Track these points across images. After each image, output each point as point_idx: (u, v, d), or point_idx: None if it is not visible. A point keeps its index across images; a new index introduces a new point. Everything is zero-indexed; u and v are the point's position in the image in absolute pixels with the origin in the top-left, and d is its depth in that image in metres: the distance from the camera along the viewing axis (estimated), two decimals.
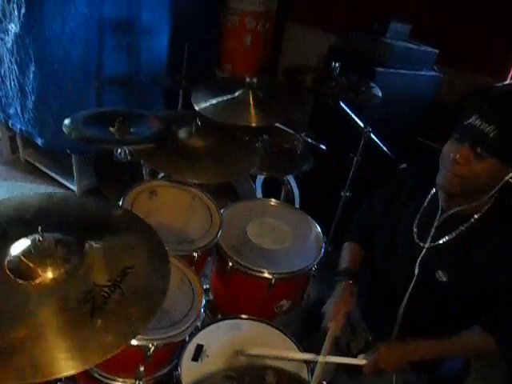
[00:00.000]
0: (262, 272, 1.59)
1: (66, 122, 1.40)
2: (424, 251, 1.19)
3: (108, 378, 1.24)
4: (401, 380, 1.27)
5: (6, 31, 2.32)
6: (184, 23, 2.79)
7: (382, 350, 1.17)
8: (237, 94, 1.91)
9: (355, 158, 2.29)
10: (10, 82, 2.54)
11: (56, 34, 2.25)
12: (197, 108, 1.82)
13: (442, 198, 1.18)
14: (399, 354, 1.18)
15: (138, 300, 0.84)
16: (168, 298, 1.32)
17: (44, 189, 3.08)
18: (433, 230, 1.19)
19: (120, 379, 1.24)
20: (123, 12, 2.39)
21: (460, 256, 1.14)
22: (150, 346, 1.14)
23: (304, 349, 1.41)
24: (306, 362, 1.24)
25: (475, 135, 0.98)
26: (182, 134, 1.74)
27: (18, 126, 2.66)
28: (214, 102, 1.86)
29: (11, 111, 2.66)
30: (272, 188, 2.44)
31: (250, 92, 1.91)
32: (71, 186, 3.05)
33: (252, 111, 1.83)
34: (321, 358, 1.19)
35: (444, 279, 1.15)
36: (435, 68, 2.52)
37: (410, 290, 1.22)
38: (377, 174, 2.05)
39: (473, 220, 1.13)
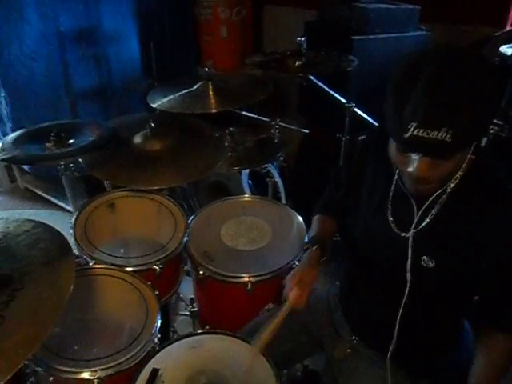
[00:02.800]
0: (236, 277, 1.45)
1: None
2: (410, 242, 1.00)
3: None
4: None
5: None
6: (152, 24, 2.67)
7: None
8: (195, 86, 1.80)
9: (343, 138, 2.11)
10: None
11: (16, 55, 2.19)
12: (153, 105, 1.73)
13: (408, 185, 0.98)
14: None
15: (23, 327, 0.72)
16: (119, 322, 1.22)
17: (43, 213, 3.05)
18: (415, 218, 0.99)
19: None
20: (82, 23, 2.30)
21: (444, 236, 0.96)
22: (92, 377, 1.02)
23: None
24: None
25: (429, 149, 0.80)
26: (138, 139, 1.63)
27: None
28: (171, 97, 1.74)
29: None
30: (260, 182, 2.29)
31: (210, 83, 1.79)
32: (68, 208, 3.00)
33: (211, 99, 1.75)
34: None
35: (431, 265, 0.97)
36: (422, 27, 2.29)
37: (407, 290, 1.02)
38: None
39: (449, 191, 0.94)
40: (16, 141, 1.35)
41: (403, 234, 1.01)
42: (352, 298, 1.19)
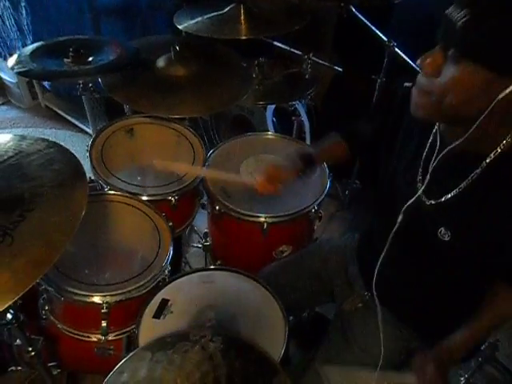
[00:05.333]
0: (253, 216, 1.42)
1: (12, 58, 1.23)
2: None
3: (76, 334, 1.16)
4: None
5: None
6: None
7: (428, 369, 0.94)
8: (226, 9, 1.65)
9: (379, 80, 1.96)
10: (9, 22, 2.42)
11: None
12: (179, 27, 1.60)
13: (439, 130, 0.89)
14: (440, 366, 0.94)
15: (32, 248, 0.70)
16: (131, 250, 1.21)
17: (63, 134, 3.03)
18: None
19: (86, 334, 1.15)
20: None
21: (467, 211, 0.87)
22: (101, 302, 1.02)
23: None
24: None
25: (445, 29, 0.69)
26: (161, 62, 1.53)
27: None
28: (198, 19, 1.61)
29: None
30: (285, 120, 2.18)
31: (242, 6, 1.64)
32: (88, 130, 2.96)
33: (242, 25, 1.59)
34: None
35: (446, 238, 0.89)
36: None
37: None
38: None
39: (484, 166, 0.82)
40: (33, 53, 1.26)
41: (429, 202, 0.92)
42: (370, 253, 1.14)
